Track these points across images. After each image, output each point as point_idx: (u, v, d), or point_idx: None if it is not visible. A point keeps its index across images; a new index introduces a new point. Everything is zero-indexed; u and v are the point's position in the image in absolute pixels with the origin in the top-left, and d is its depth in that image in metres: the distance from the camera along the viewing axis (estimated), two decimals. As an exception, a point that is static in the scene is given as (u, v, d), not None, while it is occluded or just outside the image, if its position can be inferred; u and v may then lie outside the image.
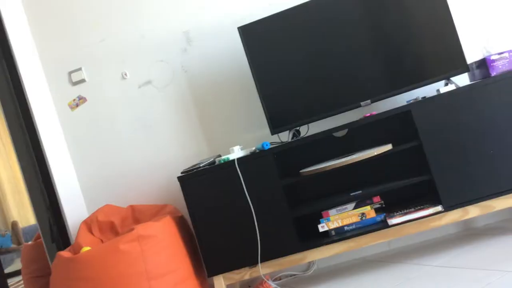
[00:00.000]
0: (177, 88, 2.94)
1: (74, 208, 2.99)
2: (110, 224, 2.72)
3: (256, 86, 2.58)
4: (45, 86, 3.06)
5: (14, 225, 6.62)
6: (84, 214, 3.00)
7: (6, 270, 5.61)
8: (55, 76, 3.07)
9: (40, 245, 4.29)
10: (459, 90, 2.29)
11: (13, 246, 6.47)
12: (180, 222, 2.63)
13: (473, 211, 2.30)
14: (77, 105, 3.05)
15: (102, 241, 2.70)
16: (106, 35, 3.01)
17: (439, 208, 2.29)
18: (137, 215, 2.78)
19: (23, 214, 6.93)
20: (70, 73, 3.05)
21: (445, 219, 2.32)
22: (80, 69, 3.04)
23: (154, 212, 2.75)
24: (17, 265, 5.70)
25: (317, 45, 2.53)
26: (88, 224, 2.75)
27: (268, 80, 2.58)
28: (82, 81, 3.04)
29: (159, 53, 2.96)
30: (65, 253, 2.42)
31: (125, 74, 3.00)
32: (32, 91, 2.98)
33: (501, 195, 2.26)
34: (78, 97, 3.05)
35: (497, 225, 2.60)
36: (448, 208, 2.29)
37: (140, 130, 2.99)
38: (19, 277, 4.88)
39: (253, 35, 2.58)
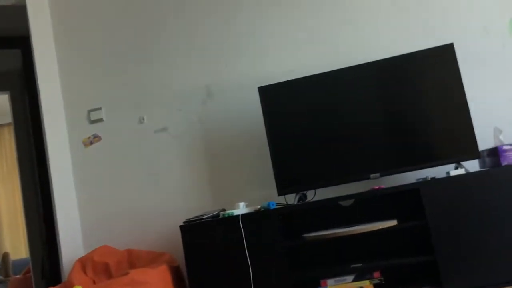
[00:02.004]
0: (191, 138, 2.99)
1: (71, 245, 2.97)
2: (105, 266, 2.68)
3: (269, 146, 2.61)
4: (63, 120, 3.12)
5: (5, 256, 6.51)
6: (81, 252, 2.97)
7: (-11, 302, 5.47)
8: (75, 112, 3.14)
9: (28, 279, 4.22)
10: (469, 175, 2.31)
11: (0, 277, 6.34)
12: (176, 272, 2.59)
13: (473, 299, 2.25)
14: (91, 143, 3.09)
15: (94, 282, 2.65)
16: (130, 80, 3.10)
17: (439, 291, 2.25)
18: (133, 260, 2.74)
19: (16, 246, 6.84)
20: (89, 111, 3.12)
21: (445, 303, 2.27)
22: (100, 108, 3.11)
23: (150, 259, 2.71)
24: (1, 298, 5.57)
25: (332, 115, 2.58)
26: (83, 263, 2.72)
27: (281, 142, 2.61)
28: (100, 120, 3.11)
29: (178, 102, 3.03)
30: (55, 289, 2.38)
31: (143, 119, 3.06)
32: (49, 123, 3.04)
33: (503, 286, 2.22)
34: (93, 135, 3.10)
35: (497, 317, 2.53)
36: (448, 292, 2.25)
37: (149, 175, 3.02)
38: (2, 311, 4.77)
39: (272, 96, 2.65)
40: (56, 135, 3.06)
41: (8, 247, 6.77)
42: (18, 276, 4.74)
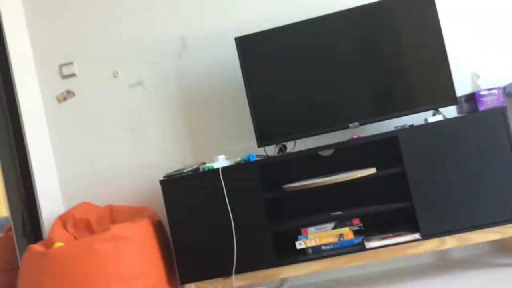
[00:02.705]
0: (168, 92, 2.93)
1: (51, 203, 2.94)
2: (86, 222, 2.68)
3: (247, 97, 2.58)
4: (34, 76, 3.03)
5: (-15, 215, 6.47)
6: (60, 210, 2.95)
7: (-28, 261, 5.46)
8: (46, 67, 3.04)
9: (10, 237, 4.21)
10: (446, 121, 2.33)
11: (-18, 237, 6.32)
12: (157, 226, 2.60)
13: (450, 242, 2.32)
14: (65, 99, 3.02)
15: (76, 238, 2.65)
16: (102, 32, 3.00)
17: (416, 235, 2.31)
18: (114, 216, 2.74)
19: (-4, 205, 6.79)
20: (61, 66, 3.03)
21: (422, 247, 2.33)
22: (71, 63, 3.01)
23: (132, 214, 2.71)
24: (-17, 256, 5.56)
25: (310, 64, 2.55)
26: (63, 220, 2.71)
27: (259, 93, 2.58)
28: (73, 75, 3.02)
29: (153, 55, 2.95)
30: (37, 247, 2.37)
31: (117, 73, 2.98)
32: (20, 80, 2.94)
33: (479, 229, 2.28)
34: (66, 90, 3.02)
35: (472, 258, 2.62)
36: (425, 236, 2.30)
37: (126, 130, 2.97)
38: (-15, 269, 4.77)
39: (249, 47, 2.59)
40: (28, 92, 2.97)
41: (-13, 206, 6.72)
42: (-1, 234, 4.71)
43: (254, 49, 2.59)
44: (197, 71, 2.90)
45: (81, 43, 3.02)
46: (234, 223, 2.41)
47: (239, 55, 2.59)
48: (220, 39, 2.88)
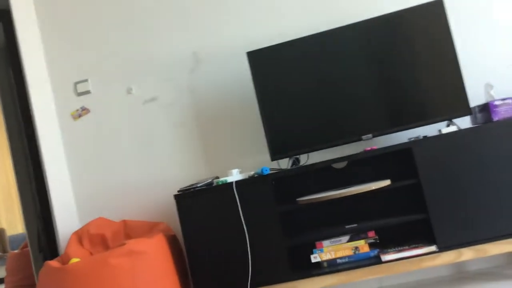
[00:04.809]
0: (181, 107, 2.96)
1: (66, 219, 2.97)
2: (101, 237, 2.69)
3: (260, 111, 2.59)
4: (50, 94, 3.08)
5: (1, 232, 6.54)
6: (76, 225, 2.97)
7: (-11, 277, 5.52)
8: (61, 85, 3.09)
9: (26, 254, 4.24)
10: (460, 132, 2.31)
11: (-2, 253, 6.38)
12: (172, 241, 2.61)
13: (467, 254, 2.29)
14: (79, 116, 3.06)
15: (91, 253, 2.66)
16: (116, 49, 3.05)
17: (433, 248, 2.28)
18: (129, 231, 2.75)
19: (12, 221, 6.86)
20: (76, 83, 3.07)
21: (439, 259, 2.30)
22: (86, 80, 3.06)
23: (147, 229, 2.72)
24: (0, 272, 5.62)
25: (322, 77, 2.56)
26: (79, 235, 2.72)
27: (272, 107, 2.59)
28: (87, 92, 3.06)
29: (166, 71, 2.99)
30: (53, 263, 2.38)
31: (131, 89, 3.02)
32: (36, 97, 2.99)
33: (496, 240, 2.25)
34: (81, 107, 3.06)
35: (490, 270, 2.58)
36: (442, 248, 2.28)
37: (141, 146, 3.00)
38: (2, 286, 4.81)
39: (261, 61, 2.61)
40: (43, 109, 3.01)
41: (3, 223, 6.80)
42: (15, 251, 4.76)
43: (266, 63, 2.61)
44: (210, 86, 2.93)
45: (95, 61, 3.07)
46: (248, 236, 2.41)
47: (251, 69, 2.61)
48: (233, 54, 2.90)
